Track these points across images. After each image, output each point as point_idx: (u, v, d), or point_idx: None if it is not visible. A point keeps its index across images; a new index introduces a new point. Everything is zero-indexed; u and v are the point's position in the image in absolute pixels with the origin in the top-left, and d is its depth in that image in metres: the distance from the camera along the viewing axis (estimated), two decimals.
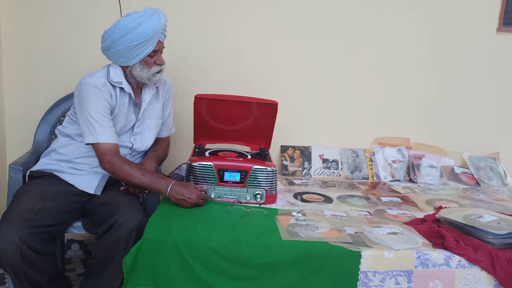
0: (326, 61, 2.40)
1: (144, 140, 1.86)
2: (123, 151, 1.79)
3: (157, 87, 1.90)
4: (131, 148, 1.84)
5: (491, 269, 1.45)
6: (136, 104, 1.84)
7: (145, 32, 1.68)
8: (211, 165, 1.79)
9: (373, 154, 2.44)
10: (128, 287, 1.47)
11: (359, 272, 1.45)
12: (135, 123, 1.84)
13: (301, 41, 2.36)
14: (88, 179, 1.78)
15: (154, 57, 1.76)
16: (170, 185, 1.68)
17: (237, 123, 2.02)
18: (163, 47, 1.81)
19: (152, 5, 2.24)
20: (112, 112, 1.75)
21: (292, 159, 2.39)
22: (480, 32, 2.42)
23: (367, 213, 1.81)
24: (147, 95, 1.85)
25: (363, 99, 2.44)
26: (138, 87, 1.84)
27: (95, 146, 1.70)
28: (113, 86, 1.76)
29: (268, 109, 1.95)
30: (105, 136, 1.69)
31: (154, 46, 1.73)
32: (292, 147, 2.42)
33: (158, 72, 1.78)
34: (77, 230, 1.77)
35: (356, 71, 2.42)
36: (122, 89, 1.77)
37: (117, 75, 1.77)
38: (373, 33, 2.39)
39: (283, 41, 2.36)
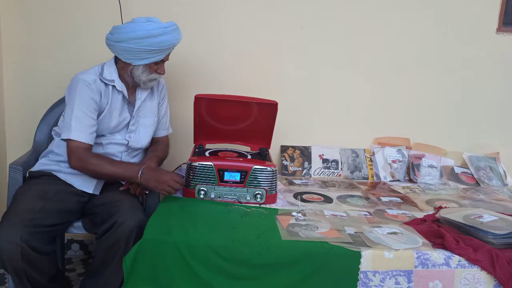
0: (326, 61, 2.40)
1: (139, 138, 1.88)
2: (119, 149, 1.81)
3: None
4: (126, 145, 1.85)
5: (491, 269, 1.45)
6: (130, 102, 1.86)
7: (166, 42, 1.73)
8: (211, 165, 1.79)
9: (373, 154, 2.44)
10: (128, 287, 1.47)
11: (359, 272, 1.45)
12: (129, 121, 1.85)
13: (301, 41, 2.36)
14: (86, 179, 1.78)
15: (158, 65, 1.80)
16: (141, 169, 1.70)
17: (237, 123, 2.03)
18: (168, 60, 1.85)
19: (152, 5, 2.25)
20: (101, 111, 1.77)
21: (292, 159, 2.39)
22: (480, 32, 2.42)
23: (367, 213, 1.81)
24: (141, 93, 1.87)
25: (363, 99, 2.44)
26: (132, 86, 1.86)
27: (67, 143, 1.71)
28: (106, 84, 1.78)
29: (268, 109, 1.95)
30: (79, 134, 1.68)
31: (163, 56, 1.78)
32: (292, 147, 2.42)
33: (155, 79, 1.83)
34: (77, 230, 1.77)
35: (356, 71, 2.42)
36: (114, 87, 1.80)
37: (110, 73, 1.79)
38: (373, 33, 2.38)
39: (283, 41, 2.36)
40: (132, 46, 1.70)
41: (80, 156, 1.68)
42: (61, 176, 1.78)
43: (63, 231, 1.77)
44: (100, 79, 1.77)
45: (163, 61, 1.81)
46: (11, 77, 2.27)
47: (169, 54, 1.83)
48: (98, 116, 1.76)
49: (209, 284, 1.44)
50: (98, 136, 1.77)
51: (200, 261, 1.45)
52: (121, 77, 1.81)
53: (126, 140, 1.84)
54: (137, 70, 1.77)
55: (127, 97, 1.83)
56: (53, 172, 1.79)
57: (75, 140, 1.68)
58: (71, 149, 1.69)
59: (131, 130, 1.86)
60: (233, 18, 2.31)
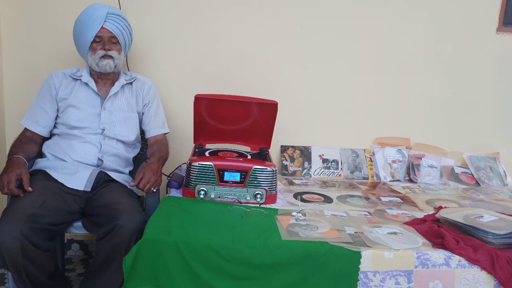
0: (326, 61, 2.40)
1: (114, 128, 1.91)
2: (95, 137, 1.86)
3: (131, 84, 1.99)
4: (102, 133, 1.88)
5: (491, 269, 1.45)
6: (102, 95, 1.93)
7: (83, 18, 1.86)
8: (211, 165, 1.79)
9: (373, 154, 2.44)
10: (128, 287, 1.47)
11: (359, 272, 1.45)
12: (101, 112, 1.90)
13: (301, 41, 2.36)
14: (76, 177, 1.78)
15: (100, 43, 1.87)
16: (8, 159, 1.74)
17: (237, 123, 2.03)
18: (113, 35, 1.88)
19: (152, 5, 2.25)
20: (65, 102, 1.87)
21: (292, 159, 2.39)
22: (480, 32, 2.42)
23: (367, 213, 1.81)
24: (114, 88, 1.94)
25: (363, 99, 2.45)
26: (107, 79, 1.94)
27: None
28: (75, 79, 1.93)
29: (268, 109, 1.95)
30: (26, 121, 1.89)
31: (95, 31, 1.84)
32: (292, 147, 2.42)
33: (104, 57, 1.87)
34: (77, 230, 1.76)
35: (356, 71, 2.42)
36: (82, 81, 1.92)
37: (82, 70, 1.95)
38: (373, 33, 2.39)
39: (283, 41, 2.36)
40: (74, 40, 1.91)
41: (16, 139, 1.86)
42: (53, 174, 1.78)
43: (63, 231, 1.77)
44: (70, 76, 1.93)
45: (102, 37, 1.85)
46: (11, 77, 2.27)
47: (108, 30, 1.85)
48: (60, 107, 1.89)
49: (209, 284, 1.44)
50: (74, 127, 1.86)
51: (200, 261, 1.45)
52: (91, 73, 1.94)
53: (100, 129, 1.88)
54: (88, 58, 1.89)
55: (95, 89, 1.91)
56: (47, 170, 1.79)
57: (23, 126, 1.89)
58: (21, 133, 1.89)
59: (104, 120, 1.89)
60: (233, 18, 2.31)
